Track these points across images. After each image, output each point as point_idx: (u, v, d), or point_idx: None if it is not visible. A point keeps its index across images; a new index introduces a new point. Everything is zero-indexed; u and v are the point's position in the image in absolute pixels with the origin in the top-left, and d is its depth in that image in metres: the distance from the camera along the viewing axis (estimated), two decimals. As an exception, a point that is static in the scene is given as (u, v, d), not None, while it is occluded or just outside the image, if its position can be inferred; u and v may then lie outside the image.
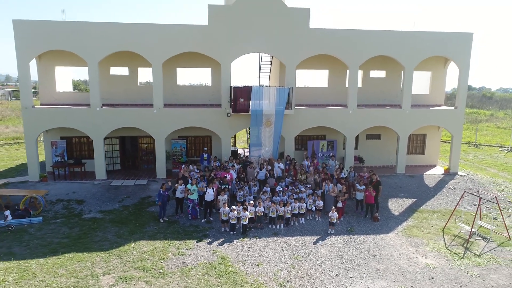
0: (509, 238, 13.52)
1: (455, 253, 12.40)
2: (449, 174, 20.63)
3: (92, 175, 19.28)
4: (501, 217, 14.39)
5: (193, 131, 20.32)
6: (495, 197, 14.20)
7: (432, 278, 10.85)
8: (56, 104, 19.80)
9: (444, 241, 13.33)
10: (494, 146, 34.61)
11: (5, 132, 37.57)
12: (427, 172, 20.91)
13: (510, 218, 15.78)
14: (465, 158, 28.31)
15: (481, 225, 14.05)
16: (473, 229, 13.58)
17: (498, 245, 13.06)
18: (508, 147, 32.84)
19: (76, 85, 45.63)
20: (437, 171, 21.19)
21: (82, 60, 18.19)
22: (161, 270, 10.80)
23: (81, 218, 14.68)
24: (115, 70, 20.48)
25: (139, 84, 20.62)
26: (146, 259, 11.45)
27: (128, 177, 19.55)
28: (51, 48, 17.60)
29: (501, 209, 16.61)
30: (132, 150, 21.57)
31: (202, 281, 10.29)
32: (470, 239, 13.30)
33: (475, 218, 13.60)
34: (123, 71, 20.50)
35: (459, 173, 20.87)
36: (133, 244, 12.43)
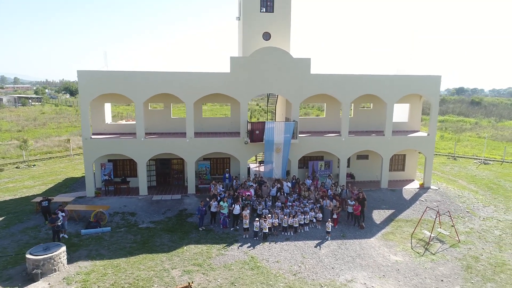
0: (459, 241, 18.34)
1: (417, 252, 17.20)
2: (423, 188, 25.47)
3: (134, 191, 23.90)
4: (453, 225, 19.17)
5: (216, 154, 25.01)
6: (448, 211, 19.04)
7: (398, 269, 15.64)
8: (105, 133, 24.43)
9: (411, 243, 18.13)
10: (470, 158, 39.22)
11: (37, 146, 40.93)
12: (406, 187, 25.74)
13: (465, 225, 20.61)
14: (442, 170, 33.02)
15: (440, 232, 18.87)
16: (432, 235, 18.40)
17: (450, 247, 17.88)
18: (481, 159, 37.57)
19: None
20: (414, 186, 26.03)
21: (128, 99, 22.88)
22: (210, 266, 15.49)
23: (139, 228, 19.33)
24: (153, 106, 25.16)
25: (172, 117, 25.29)
26: (198, 258, 16.14)
27: (164, 192, 24.22)
28: (106, 92, 22.25)
29: (460, 217, 21.49)
30: (161, 169, 26.18)
31: (241, 273, 15.01)
32: (430, 242, 18.10)
33: (433, 226, 18.46)
34: (159, 106, 25.15)
35: (431, 187, 25.72)
36: (185, 247, 17.10)
